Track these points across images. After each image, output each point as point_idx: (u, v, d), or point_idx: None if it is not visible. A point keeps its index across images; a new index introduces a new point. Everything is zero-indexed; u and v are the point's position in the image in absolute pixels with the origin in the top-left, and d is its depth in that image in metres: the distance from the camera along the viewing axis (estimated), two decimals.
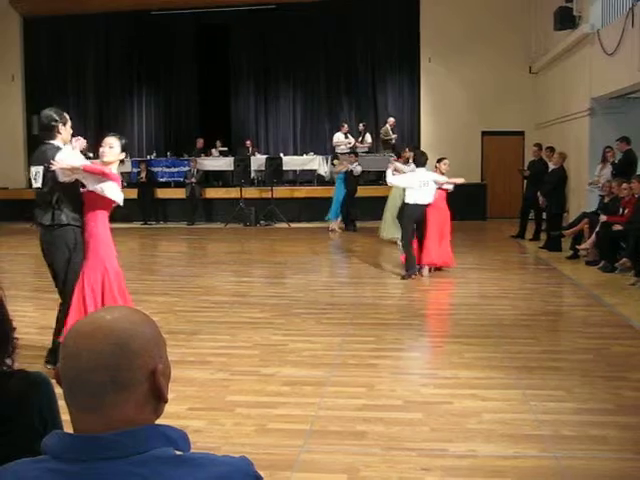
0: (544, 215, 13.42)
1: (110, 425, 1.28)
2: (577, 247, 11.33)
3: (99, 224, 5.37)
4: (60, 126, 5.36)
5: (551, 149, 13.71)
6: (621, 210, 10.39)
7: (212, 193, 17.85)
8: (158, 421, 1.37)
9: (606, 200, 11.14)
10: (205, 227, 17.35)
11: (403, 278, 9.73)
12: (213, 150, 18.97)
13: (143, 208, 17.94)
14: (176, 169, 18.61)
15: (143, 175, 18.12)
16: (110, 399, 1.29)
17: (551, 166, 13.14)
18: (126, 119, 21.61)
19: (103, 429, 1.28)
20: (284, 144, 20.75)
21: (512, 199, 16.90)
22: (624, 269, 9.77)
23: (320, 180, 18.52)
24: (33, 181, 5.39)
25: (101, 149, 5.47)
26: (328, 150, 19.35)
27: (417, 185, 9.85)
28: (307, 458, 3.99)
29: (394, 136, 18.33)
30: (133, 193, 18.07)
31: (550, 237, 12.44)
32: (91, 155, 19.24)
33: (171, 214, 18.36)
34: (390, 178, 10.36)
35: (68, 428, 1.36)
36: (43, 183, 5.28)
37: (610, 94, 12.63)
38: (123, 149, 5.52)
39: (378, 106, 20.55)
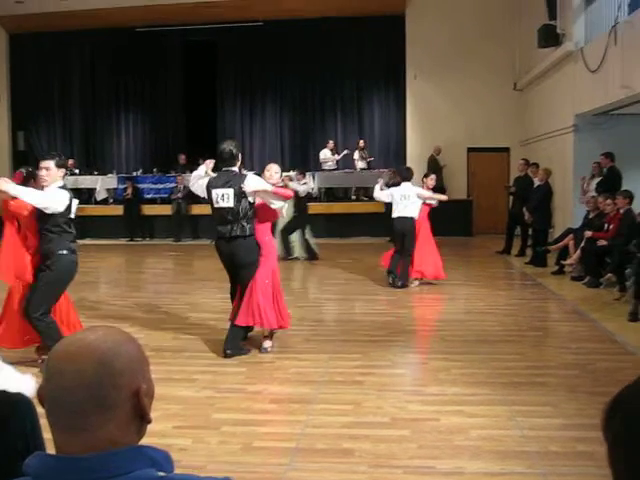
0: (530, 231, 13.48)
1: (93, 446, 1.27)
2: (562, 262, 11.38)
3: (268, 233, 6.84)
4: (239, 155, 6.62)
5: (536, 165, 13.80)
6: (606, 226, 10.45)
7: (198, 209, 17.76)
8: (142, 440, 1.36)
9: (591, 216, 11.21)
10: (191, 244, 17.30)
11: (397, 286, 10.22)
12: (198, 167, 18.93)
13: (129, 225, 17.90)
14: (162, 185, 18.58)
15: (129, 191, 18.08)
16: (93, 419, 1.28)
17: (536, 182, 13.22)
18: (112, 135, 21.57)
19: (86, 450, 1.27)
20: (270, 160, 20.70)
21: (498, 215, 16.94)
22: (609, 284, 9.82)
23: (307, 196, 18.51)
24: (221, 201, 6.46)
25: (268, 173, 6.95)
26: (314, 166, 19.38)
27: (398, 198, 10.31)
28: (293, 476, 3.97)
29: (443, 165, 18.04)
30: (119, 210, 18.03)
31: (536, 253, 12.50)
32: (77, 171, 19.32)
33: (157, 231, 18.31)
34: (377, 193, 10.82)
35: (50, 448, 1.35)
36: (236, 202, 6.39)
37: (594, 111, 12.74)
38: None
39: (364, 122, 20.65)
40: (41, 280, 5.94)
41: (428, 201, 10.57)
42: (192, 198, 17.83)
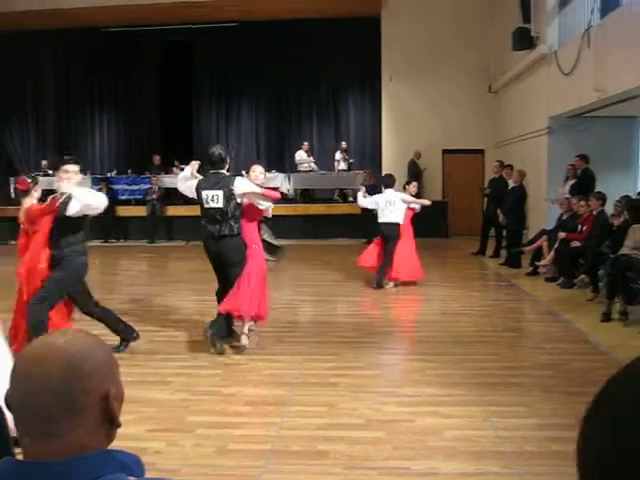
0: (504, 232, 13.56)
1: (62, 451, 1.25)
2: (536, 264, 11.46)
3: (255, 231, 7.08)
4: (227, 158, 6.93)
5: (510, 167, 13.89)
6: (579, 227, 10.54)
7: (173, 211, 17.68)
8: (115, 443, 1.34)
9: (564, 217, 11.30)
10: (166, 245, 17.19)
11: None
12: (174, 168, 18.82)
13: (103, 226, 17.73)
14: (137, 187, 18.45)
15: (103, 192, 17.89)
16: (62, 424, 1.26)
17: (511, 184, 13.30)
18: (86, 136, 21.40)
19: (55, 455, 1.25)
20: (246, 161, 20.69)
21: (473, 217, 17.01)
22: (582, 285, 9.91)
23: (283, 197, 18.53)
24: (211, 202, 6.72)
25: (253, 174, 7.16)
26: (290, 167, 19.38)
27: (383, 205, 10.58)
28: (268, 478, 3.94)
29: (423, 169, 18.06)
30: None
31: (510, 254, 12.58)
32: (50, 172, 19.13)
33: (131, 232, 18.17)
34: (360, 201, 11.06)
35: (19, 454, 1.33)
36: (225, 203, 6.66)
37: (567, 113, 12.85)
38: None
39: (340, 124, 20.69)
40: (50, 276, 6.00)
41: (412, 205, 10.86)
42: (167, 199, 17.81)
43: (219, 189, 6.71)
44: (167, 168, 18.89)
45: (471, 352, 6.69)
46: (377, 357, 6.70)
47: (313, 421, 4.82)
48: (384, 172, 18.67)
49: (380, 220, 10.67)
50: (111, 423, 1.33)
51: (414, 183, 11.55)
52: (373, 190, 17.22)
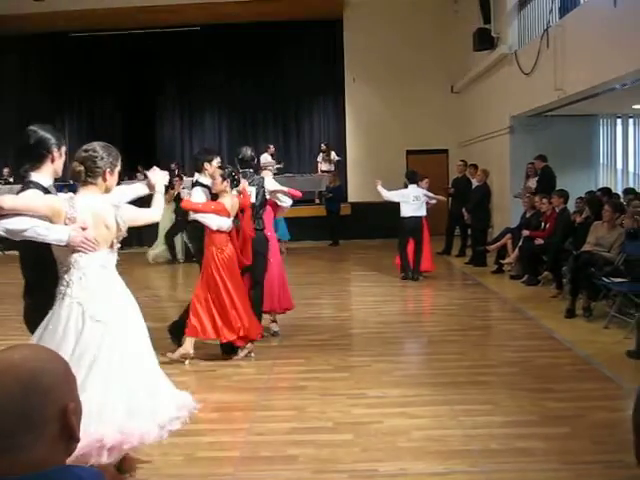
0: (469, 231, 13.67)
1: (20, 467, 1.24)
2: (501, 262, 11.57)
3: (272, 228, 7.70)
4: (255, 158, 7.70)
5: (474, 166, 14.00)
6: (542, 225, 10.65)
7: None
8: None
9: (528, 215, 11.42)
10: (132, 252, 16.95)
11: (403, 279, 11.17)
12: (138, 174, 18.60)
13: None
14: None
15: None
16: (20, 440, 1.24)
17: (475, 183, 13.43)
18: None
19: (13, 471, 1.24)
20: None
21: (438, 216, 17.04)
22: (546, 282, 10.02)
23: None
24: None
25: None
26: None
27: (411, 200, 11.18)
28: None
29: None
30: None
31: (475, 252, 12.68)
32: (11, 180, 18.82)
33: None
34: (386, 194, 11.42)
35: None
36: (257, 199, 7.15)
37: (528, 112, 13.01)
38: None
39: (304, 126, 20.69)
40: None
41: (429, 201, 11.74)
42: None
43: (252, 186, 7.19)
44: (130, 174, 18.64)
45: (438, 352, 6.74)
46: (346, 359, 6.69)
47: (281, 426, 4.81)
48: (349, 172, 18.80)
49: (407, 214, 11.22)
50: (70, 438, 1.32)
51: (426, 179, 12.05)
52: (337, 192, 17.31)
